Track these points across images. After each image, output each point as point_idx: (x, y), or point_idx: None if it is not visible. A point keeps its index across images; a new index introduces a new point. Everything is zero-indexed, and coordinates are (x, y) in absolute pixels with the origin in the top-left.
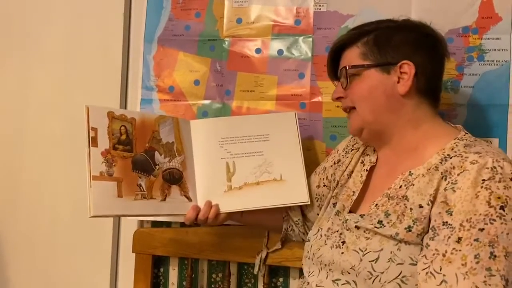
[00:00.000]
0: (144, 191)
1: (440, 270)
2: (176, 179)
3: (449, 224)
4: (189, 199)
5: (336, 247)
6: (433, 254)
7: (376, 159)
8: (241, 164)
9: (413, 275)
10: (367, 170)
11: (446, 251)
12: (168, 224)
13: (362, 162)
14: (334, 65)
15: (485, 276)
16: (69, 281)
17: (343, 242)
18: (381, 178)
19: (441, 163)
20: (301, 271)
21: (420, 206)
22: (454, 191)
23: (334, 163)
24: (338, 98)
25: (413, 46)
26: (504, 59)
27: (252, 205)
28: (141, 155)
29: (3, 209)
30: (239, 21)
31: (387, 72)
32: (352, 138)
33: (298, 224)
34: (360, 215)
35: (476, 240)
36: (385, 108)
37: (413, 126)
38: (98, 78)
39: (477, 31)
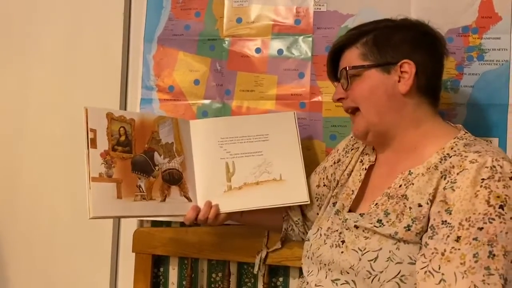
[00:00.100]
0: (143, 192)
1: (439, 269)
2: (175, 179)
3: (448, 223)
4: (189, 200)
5: (336, 247)
6: (432, 253)
7: (375, 159)
8: (241, 164)
9: (412, 274)
10: (365, 169)
11: (445, 250)
12: (168, 224)
13: (361, 161)
14: (333, 66)
15: (483, 275)
16: (69, 281)
17: (343, 242)
18: (381, 177)
19: (440, 162)
20: (301, 271)
21: (420, 205)
22: (454, 190)
23: (334, 162)
24: (339, 100)
25: (413, 45)
26: (503, 59)
27: (252, 205)
28: (140, 156)
29: (2, 209)
30: (239, 20)
31: (388, 72)
32: (352, 137)
33: (298, 223)
34: (360, 214)
35: (475, 239)
36: (388, 108)
37: (414, 125)
38: (98, 78)
39: (477, 31)
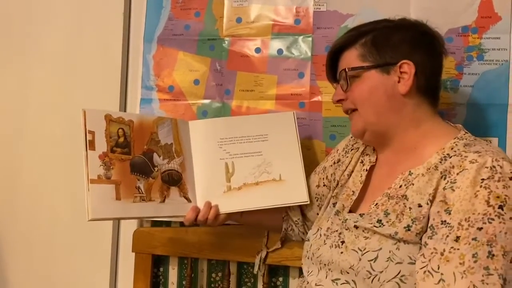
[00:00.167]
0: (142, 193)
1: (438, 269)
2: (175, 180)
3: (448, 223)
4: (189, 200)
5: (335, 247)
6: (431, 253)
7: (376, 159)
8: (240, 165)
9: (412, 274)
10: (366, 170)
11: (444, 250)
12: (167, 224)
13: (362, 162)
14: (332, 67)
15: (483, 275)
16: (68, 281)
17: (342, 242)
18: (381, 178)
19: (440, 162)
20: (300, 271)
21: (419, 206)
22: (453, 190)
23: (334, 162)
24: (339, 101)
25: (412, 45)
26: (503, 59)
27: (251, 205)
28: (139, 157)
29: (2, 209)
30: (238, 20)
31: (387, 73)
32: (351, 137)
33: (298, 224)
34: (360, 215)
35: (474, 239)
36: (387, 109)
37: (413, 125)
38: (97, 77)
39: (477, 31)
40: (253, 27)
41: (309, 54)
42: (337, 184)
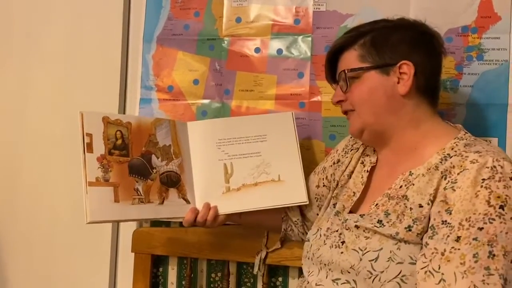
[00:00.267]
0: (141, 195)
1: (439, 268)
2: (173, 182)
3: (448, 223)
4: (187, 202)
5: (336, 247)
6: (432, 253)
7: (376, 160)
8: (239, 165)
9: (413, 274)
10: (367, 171)
11: (445, 250)
12: (167, 224)
13: (362, 162)
14: (332, 68)
15: (483, 275)
16: (68, 281)
17: (343, 242)
18: (382, 178)
19: (441, 162)
20: (300, 271)
21: (420, 206)
22: (454, 190)
23: (334, 163)
24: (339, 102)
25: (411, 45)
26: (503, 59)
27: (250, 206)
28: (137, 159)
29: (2, 209)
30: (238, 20)
31: (387, 73)
32: (351, 138)
33: (297, 224)
34: (360, 215)
35: (475, 239)
36: (386, 109)
37: (413, 126)
38: (97, 77)
39: (476, 31)
40: (253, 27)
41: (309, 54)
42: (337, 185)
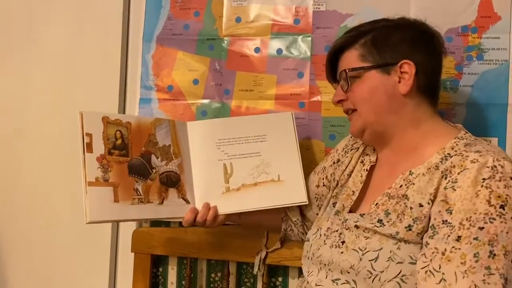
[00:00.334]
0: (141, 195)
1: (439, 268)
2: (173, 182)
3: (449, 223)
4: (187, 202)
5: (336, 247)
6: (433, 253)
7: (376, 159)
8: (239, 165)
9: (413, 274)
10: (367, 170)
11: (445, 250)
12: (167, 224)
13: (362, 162)
14: (332, 68)
15: (484, 275)
16: (68, 281)
17: (343, 242)
18: (382, 178)
19: (441, 162)
20: (300, 271)
21: (420, 205)
22: (454, 189)
23: (334, 162)
24: (339, 101)
25: (411, 44)
26: (503, 58)
27: (250, 206)
28: (137, 159)
29: (2, 209)
30: (238, 20)
31: (388, 73)
32: (351, 137)
33: (297, 224)
34: (360, 215)
35: (476, 238)
36: (387, 109)
37: (414, 125)
38: (97, 77)
39: (476, 30)
40: (253, 26)
41: (309, 53)
42: (337, 184)
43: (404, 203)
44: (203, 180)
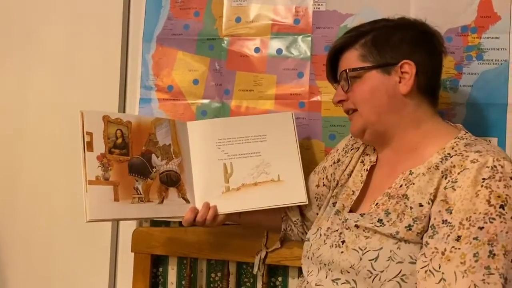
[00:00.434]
0: (141, 194)
1: (439, 268)
2: (173, 181)
3: (449, 223)
4: (187, 201)
5: (336, 247)
6: (432, 252)
7: (376, 159)
8: (239, 165)
9: (413, 274)
10: (367, 170)
11: (445, 249)
12: (167, 224)
13: (362, 161)
14: (333, 68)
15: (483, 275)
16: (67, 281)
17: (343, 242)
18: (382, 177)
19: (441, 162)
20: (300, 271)
21: (420, 205)
22: (454, 189)
23: (334, 162)
24: (340, 102)
25: (412, 44)
26: (503, 58)
27: (250, 206)
28: (137, 158)
29: (2, 209)
30: (238, 20)
31: (388, 73)
32: (351, 137)
33: (297, 224)
34: (360, 214)
35: (476, 238)
36: (387, 109)
37: (414, 126)
38: (97, 77)
39: (476, 30)
40: (253, 26)
41: (309, 53)
42: (337, 184)
43: (404, 203)
44: (203, 179)
